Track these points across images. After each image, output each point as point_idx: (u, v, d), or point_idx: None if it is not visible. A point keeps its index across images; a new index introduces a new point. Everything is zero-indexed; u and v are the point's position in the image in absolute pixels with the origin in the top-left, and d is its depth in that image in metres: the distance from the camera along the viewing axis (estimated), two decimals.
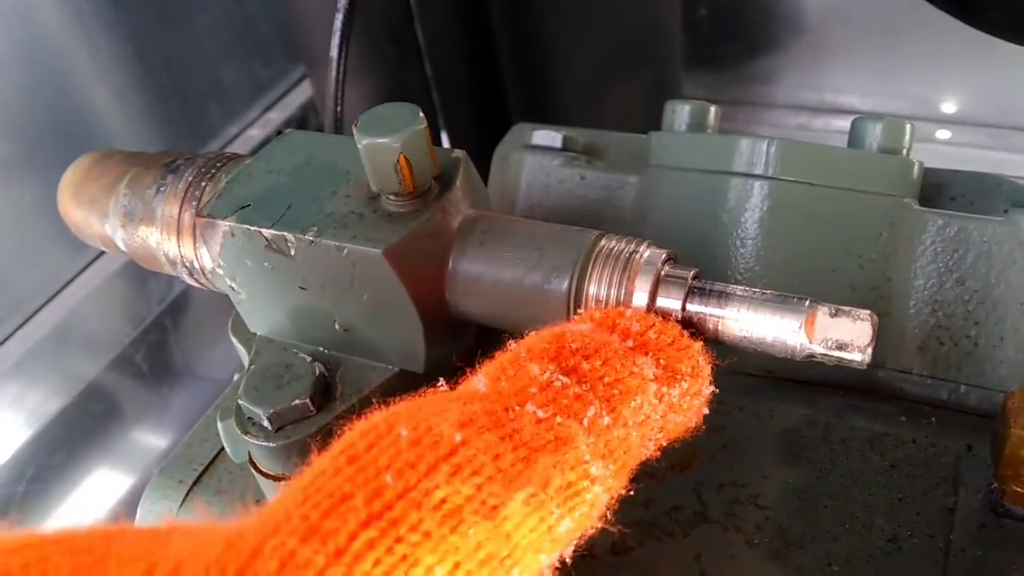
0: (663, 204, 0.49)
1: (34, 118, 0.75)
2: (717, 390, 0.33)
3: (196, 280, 0.44)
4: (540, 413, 0.28)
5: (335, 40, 0.64)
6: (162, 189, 0.44)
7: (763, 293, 0.34)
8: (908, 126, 0.46)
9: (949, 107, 1.04)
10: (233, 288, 0.41)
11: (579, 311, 0.36)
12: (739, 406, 0.44)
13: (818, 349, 0.33)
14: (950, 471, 0.40)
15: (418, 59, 0.91)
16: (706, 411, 0.33)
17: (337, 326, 0.40)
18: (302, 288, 0.39)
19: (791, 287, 0.35)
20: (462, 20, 0.90)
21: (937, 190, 0.48)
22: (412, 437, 0.26)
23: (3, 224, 0.74)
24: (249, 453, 0.41)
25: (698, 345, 0.33)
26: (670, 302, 0.35)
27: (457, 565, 0.24)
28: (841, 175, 0.44)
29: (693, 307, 0.35)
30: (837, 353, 0.32)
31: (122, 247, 0.46)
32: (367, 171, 0.37)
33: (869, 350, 0.32)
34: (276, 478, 0.39)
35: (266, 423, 0.38)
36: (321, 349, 0.41)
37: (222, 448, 0.46)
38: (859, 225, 0.44)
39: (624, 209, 0.52)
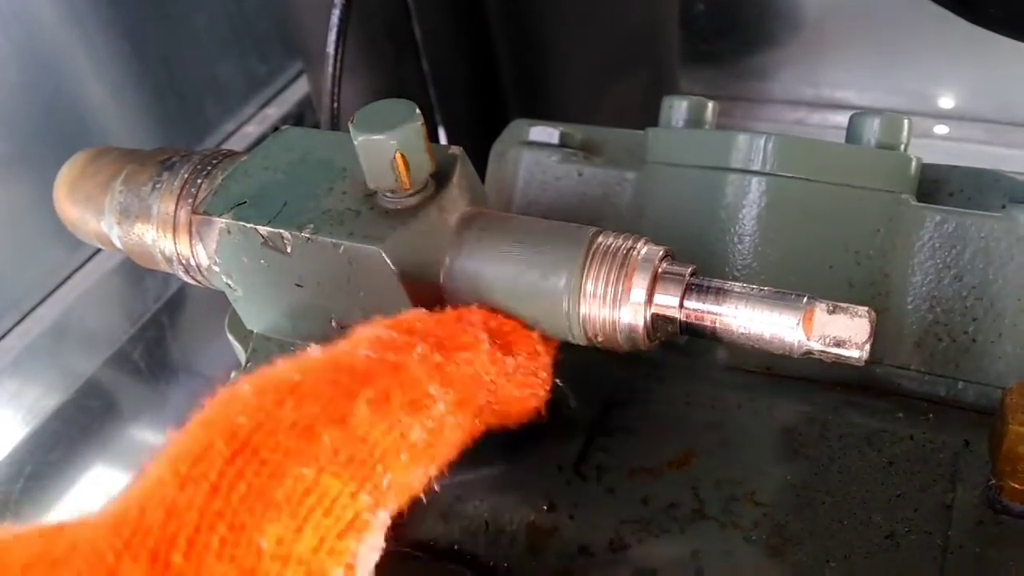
0: (660, 200, 0.49)
1: (31, 115, 0.75)
2: (558, 382, 0.38)
3: (192, 277, 0.44)
4: (371, 353, 0.31)
5: (332, 36, 0.63)
6: (158, 186, 0.43)
7: (761, 290, 0.34)
8: (906, 122, 0.46)
9: (947, 102, 1.04)
10: (229, 285, 0.41)
11: (578, 308, 0.36)
12: (736, 403, 0.44)
13: (816, 346, 0.33)
14: (948, 467, 0.40)
15: (415, 55, 0.90)
16: (543, 395, 0.37)
17: (334, 323, 0.40)
18: (298, 285, 0.39)
19: (788, 283, 0.35)
20: (459, 16, 0.90)
21: (935, 186, 0.48)
22: (254, 388, 0.29)
23: (0, 221, 0.74)
24: None
25: (536, 334, 0.37)
26: (667, 299, 0.35)
27: (321, 469, 0.27)
28: (838, 171, 0.44)
29: (691, 304, 0.35)
30: (835, 350, 0.32)
31: (118, 244, 0.45)
32: (363, 168, 0.36)
33: (867, 346, 0.32)
34: None
35: None
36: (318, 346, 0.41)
37: None
38: (856, 221, 0.44)
39: (621, 206, 0.51)
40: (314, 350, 0.32)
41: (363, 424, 0.28)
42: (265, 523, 0.25)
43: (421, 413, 0.30)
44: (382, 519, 0.28)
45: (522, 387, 0.36)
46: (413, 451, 0.29)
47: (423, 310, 0.36)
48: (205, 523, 0.25)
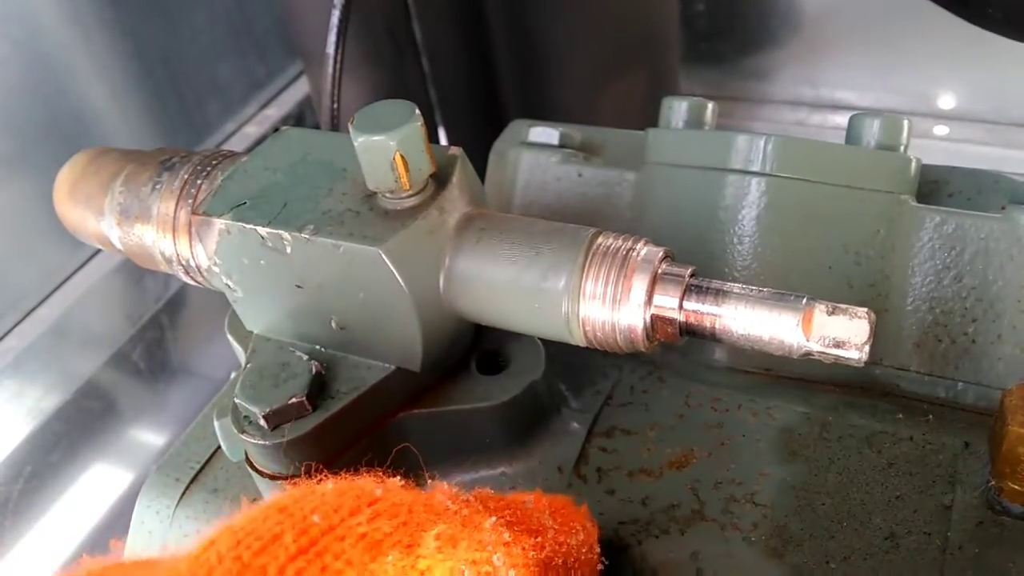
0: (660, 201, 0.49)
1: (31, 115, 0.75)
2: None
3: (192, 278, 0.44)
4: (450, 504, 0.31)
5: (332, 37, 0.63)
6: (158, 187, 0.43)
7: (760, 291, 0.34)
8: (906, 123, 0.46)
9: (947, 103, 1.04)
10: (229, 286, 0.41)
11: (578, 309, 0.36)
12: (736, 404, 0.44)
13: (815, 347, 0.33)
14: (947, 468, 0.40)
15: (415, 56, 0.90)
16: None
17: (334, 324, 0.40)
18: (298, 286, 0.39)
19: (788, 284, 0.35)
20: (459, 17, 0.90)
21: (935, 187, 0.48)
22: (337, 489, 0.29)
23: (0, 222, 0.74)
24: (245, 451, 0.40)
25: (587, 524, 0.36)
26: (667, 300, 0.35)
27: None
28: (838, 172, 0.44)
29: (690, 305, 0.35)
30: (834, 351, 0.32)
31: (118, 245, 0.45)
32: (363, 169, 0.36)
33: (866, 348, 0.32)
34: (272, 476, 0.39)
35: (262, 421, 0.38)
36: (318, 347, 0.41)
37: (219, 446, 0.46)
38: (856, 222, 0.44)
39: (621, 206, 0.51)
40: (396, 481, 0.32)
41: (428, 556, 0.28)
42: None
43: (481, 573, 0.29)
44: None
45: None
46: None
47: (489, 491, 0.35)
48: None
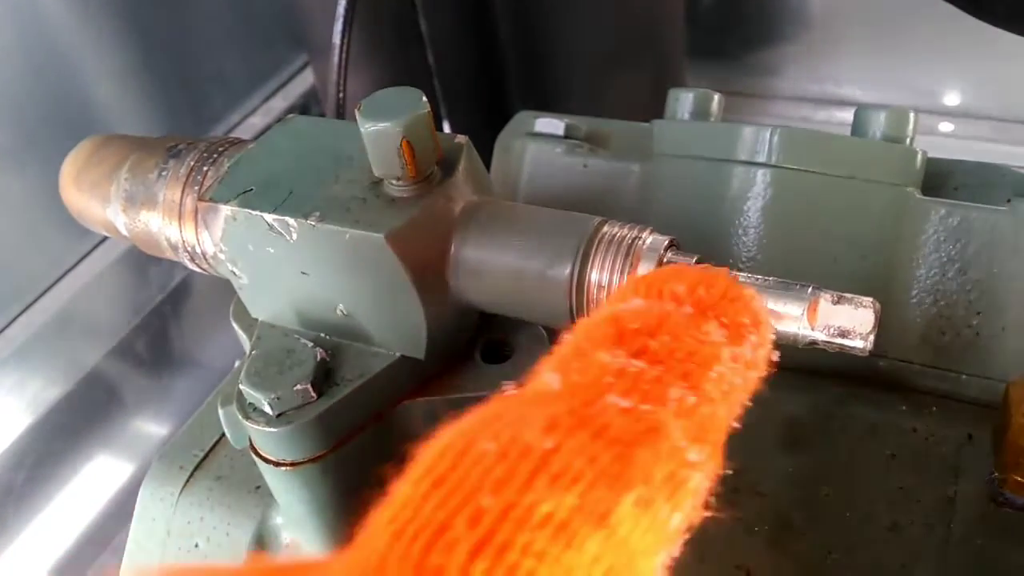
0: (666, 192, 0.49)
1: (36, 104, 0.75)
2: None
3: (198, 265, 0.44)
4: (624, 403, 0.25)
5: (338, 27, 0.63)
6: (164, 174, 0.43)
7: (765, 280, 0.34)
8: (911, 115, 0.46)
9: (953, 99, 1.04)
10: (235, 273, 0.41)
11: (583, 297, 0.36)
12: None
13: (820, 336, 0.33)
14: (951, 460, 0.40)
15: (420, 47, 0.90)
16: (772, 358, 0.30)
17: (339, 311, 0.40)
18: (304, 273, 0.39)
19: (793, 275, 0.35)
20: (465, 7, 0.90)
21: (940, 179, 0.48)
22: (498, 450, 0.24)
23: (5, 211, 0.74)
24: (250, 439, 0.41)
25: (749, 291, 0.29)
26: None
27: None
28: (844, 163, 0.44)
29: None
30: (839, 340, 0.32)
31: (124, 232, 0.45)
32: (369, 156, 0.36)
33: (871, 337, 0.32)
34: (277, 464, 0.39)
35: (267, 408, 0.38)
36: (323, 335, 0.41)
37: (223, 434, 0.46)
38: (862, 214, 0.44)
39: (627, 197, 0.51)
40: (552, 378, 0.27)
41: (625, 525, 0.23)
42: None
43: (681, 491, 0.25)
44: None
45: (759, 367, 0.29)
46: (669, 543, 0.25)
47: (640, 302, 0.29)
48: None
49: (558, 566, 0.22)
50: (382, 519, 0.23)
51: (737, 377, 0.28)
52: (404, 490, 0.24)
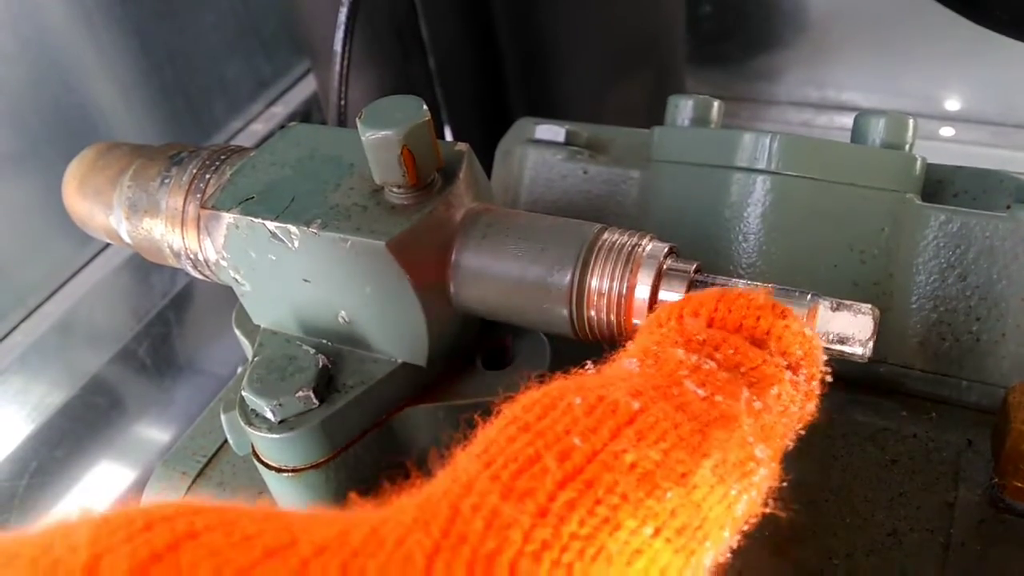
0: (666, 199, 0.49)
1: (39, 112, 0.75)
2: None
3: (200, 272, 0.44)
4: (700, 392, 0.27)
5: (339, 34, 0.64)
6: (166, 181, 0.44)
7: (764, 287, 0.34)
8: (911, 121, 0.46)
9: (953, 104, 1.04)
10: (237, 280, 0.42)
11: (583, 304, 0.36)
12: None
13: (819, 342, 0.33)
14: (951, 466, 0.40)
15: (422, 54, 0.91)
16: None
17: (340, 318, 0.40)
18: (306, 280, 0.39)
19: (793, 282, 0.35)
20: (466, 15, 0.90)
21: (939, 186, 0.48)
22: (586, 405, 0.25)
23: (8, 218, 0.75)
24: (252, 445, 0.41)
25: (798, 324, 0.31)
26: (672, 295, 0.35)
27: (657, 531, 0.23)
28: (844, 170, 0.44)
29: None
30: (839, 346, 0.32)
31: (127, 239, 0.46)
32: (371, 163, 0.37)
33: (870, 343, 0.32)
34: (279, 470, 0.39)
35: (269, 415, 0.38)
36: (324, 341, 0.41)
37: (225, 440, 0.46)
38: (861, 220, 0.44)
39: (627, 204, 0.52)
40: (632, 363, 0.28)
41: (703, 487, 0.24)
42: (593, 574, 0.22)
43: (746, 479, 0.26)
44: None
45: (814, 397, 0.30)
46: (735, 525, 0.25)
47: (702, 324, 0.30)
48: (529, 550, 0.21)
49: (641, 509, 0.23)
50: (469, 453, 0.24)
51: (795, 405, 0.29)
52: (489, 434, 0.25)
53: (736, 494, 0.25)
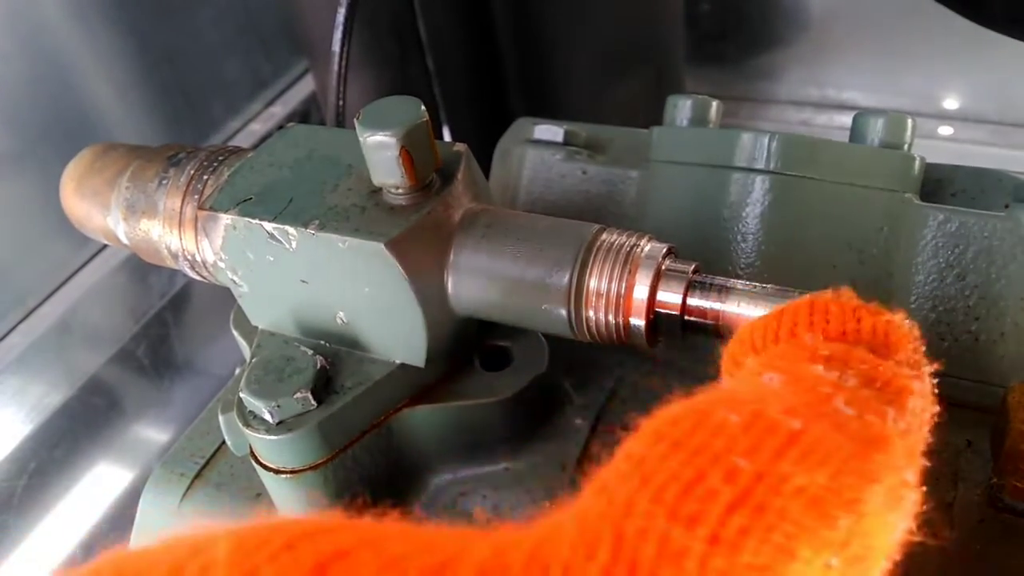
0: (664, 199, 0.49)
1: (36, 112, 0.75)
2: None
3: (198, 273, 0.44)
4: (849, 411, 0.25)
5: (337, 35, 0.64)
6: (164, 182, 0.44)
7: (764, 287, 0.34)
8: (909, 121, 0.46)
9: (951, 103, 1.04)
10: (235, 281, 0.42)
11: (581, 305, 0.36)
12: None
13: None
14: (949, 466, 0.40)
15: (420, 54, 0.91)
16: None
17: (338, 319, 0.40)
18: (304, 281, 0.39)
19: (792, 282, 0.35)
20: (464, 15, 0.90)
21: (938, 185, 0.48)
22: (742, 422, 0.23)
23: (5, 218, 0.74)
24: (250, 446, 0.41)
25: (897, 315, 0.29)
26: (670, 296, 0.35)
27: (830, 562, 0.21)
28: (842, 170, 0.44)
29: (693, 301, 0.35)
30: None
31: (124, 240, 0.46)
32: (369, 164, 0.37)
33: None
34: (277, 471, 0.39)
35: (267, 416, 0.38)
36: (322, 342, 0.41)
37: (224, 441, 0.46)
38: (860, 220, 0.44)
39: (625, 204, 0.52)
40: (774, 379, 0.26)
41: (871, 518, 0.22)
42: None
43: (902, 506, 0.24)
44: None
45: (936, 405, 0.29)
46: (890, 555, 0.23)
47: (819, 337, 0.29)
48: None
49: (815, 539, 0.21)
50: (618, 470, 0.22)
51: (926, 413, 0.27)
52: (636, 450, 0.23)
53: (895, 519, 0.23)
